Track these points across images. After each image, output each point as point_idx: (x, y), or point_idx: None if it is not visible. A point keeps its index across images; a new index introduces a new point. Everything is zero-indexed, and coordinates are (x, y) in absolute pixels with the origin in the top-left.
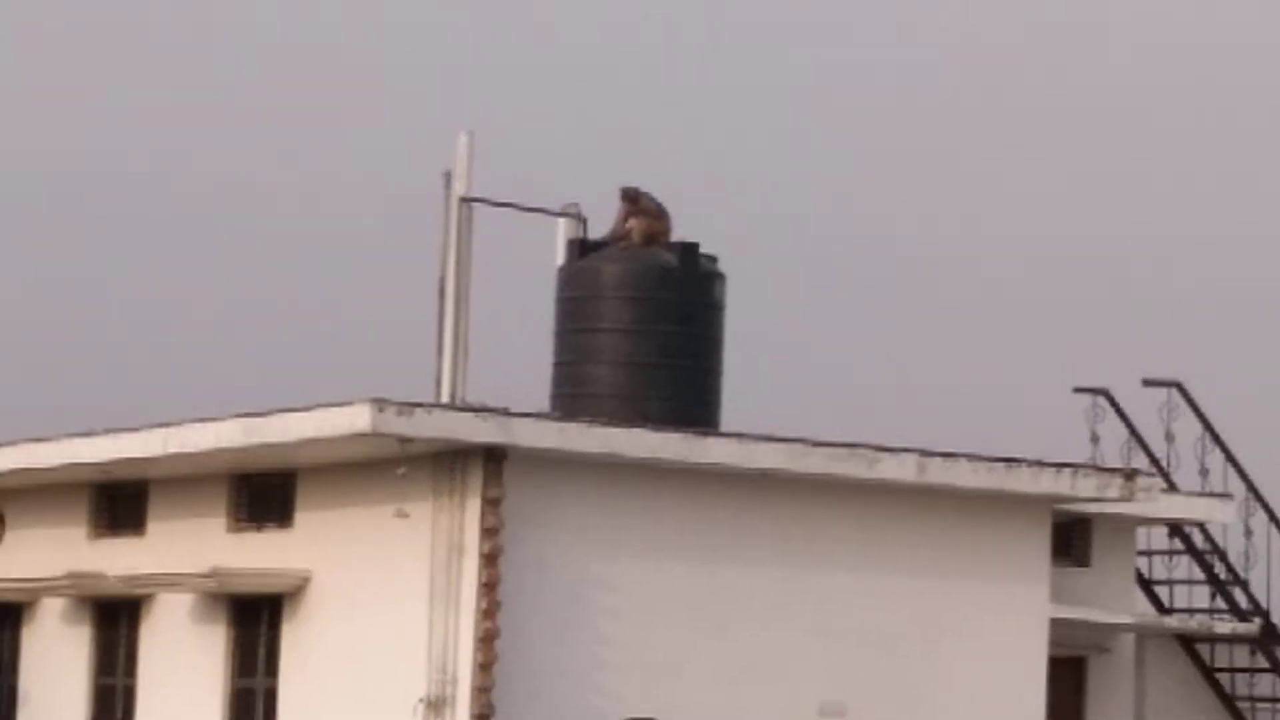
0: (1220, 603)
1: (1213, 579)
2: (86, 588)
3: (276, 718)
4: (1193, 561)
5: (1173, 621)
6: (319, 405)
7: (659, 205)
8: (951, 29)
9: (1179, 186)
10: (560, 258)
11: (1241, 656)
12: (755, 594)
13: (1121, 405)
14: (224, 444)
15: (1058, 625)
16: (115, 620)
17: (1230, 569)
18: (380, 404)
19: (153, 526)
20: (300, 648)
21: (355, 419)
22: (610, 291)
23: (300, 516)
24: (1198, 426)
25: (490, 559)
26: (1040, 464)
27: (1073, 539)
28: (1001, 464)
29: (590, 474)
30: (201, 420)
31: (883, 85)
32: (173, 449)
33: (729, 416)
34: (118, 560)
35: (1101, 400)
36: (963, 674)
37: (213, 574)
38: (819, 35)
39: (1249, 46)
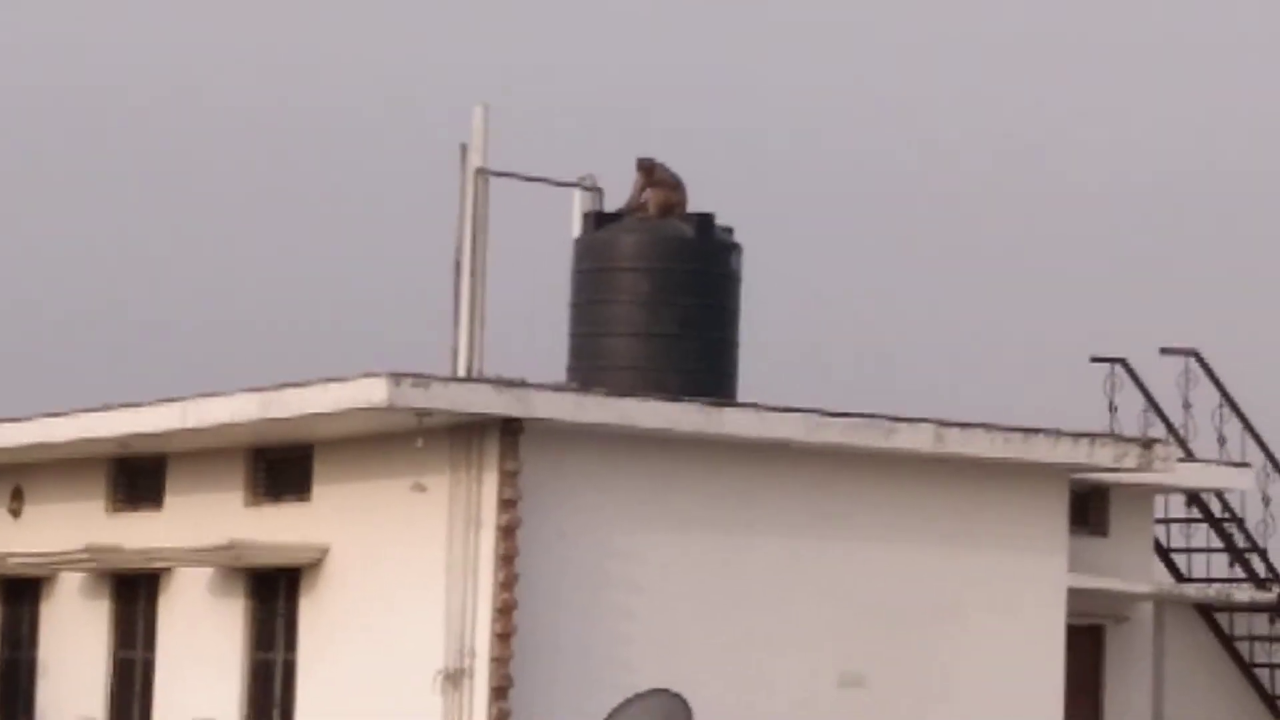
0: (1239, 571)
1: (1231, 547)
2: (105, 562)
3: (295, 691)
4: (1211, 530)
5: (1191, 590)
6: (336, 379)
7: (675, 176)
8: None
9: (1193, 154)
10: (576, 229)
11: (1260, 625)
12: (773, 565)
13: (1139, 374)
14: (241, 418)
15: (1076, 594)
16: (134, 594)
17: (1248, 537)
18: (397, 377)
19: (171, 500)
20: (318, 621)
21: (372, 392)
22: (627, 263)
23: (318, 490)
24: (1215, 395)
25: (507, 531)
26: (1058, 433)
27: (1090, 508)
28: (1019, 433)
29: (607, 446)
30: (219, 394)
31: (898, 58)
32: (190, 423)
33: (746, 387)
34: (136, 534)
35: (1119, 369)
36: (981, 643)
37: (231, 547)
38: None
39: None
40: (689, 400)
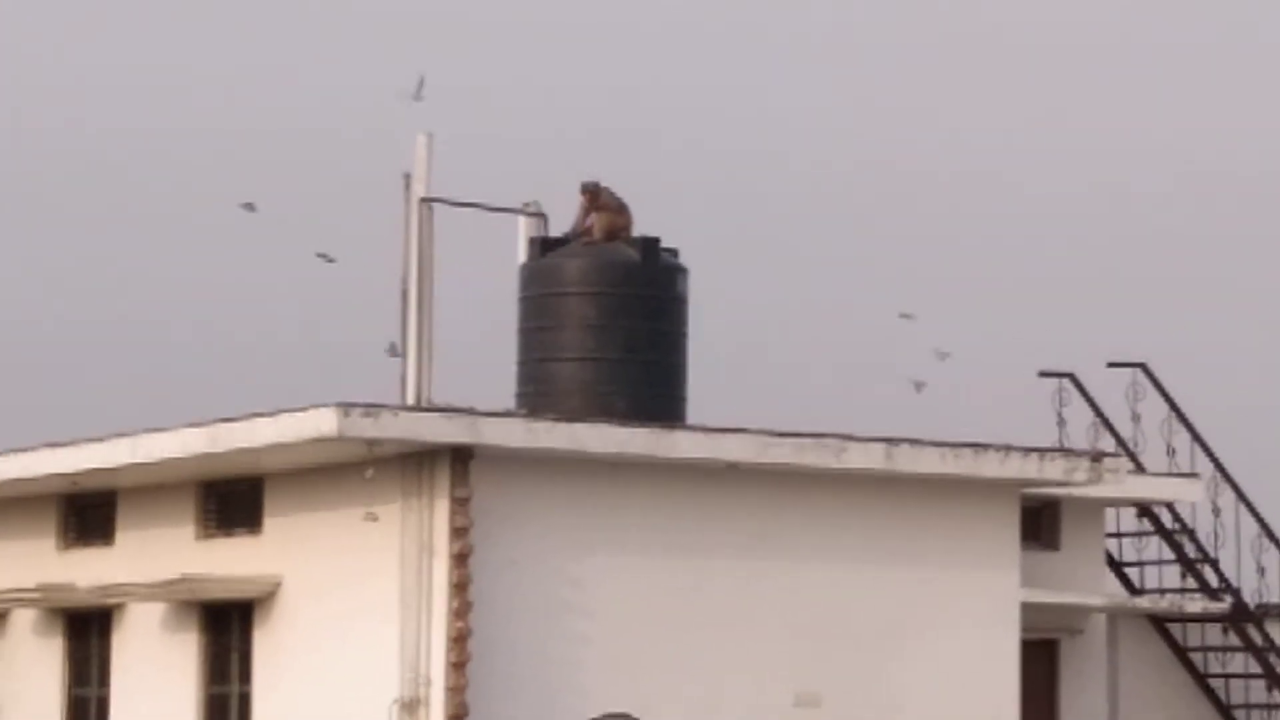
0: (1190, 582)
1: (1182, 558)
2: (57, 599)
3: None
4: (1162, 541)
5: (1143, 602)
6: (285, 410)
7: (619, 200)
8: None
9: (1138, 167)
10: (522, 255)
11: (1213, 635)
12: (727, 586)
13: (1087, 388)
14: (190, 451)
15: (1029, 609)
16: (87, 631)
17: (1199, 548)
18: (346, 407)
19: (122, 536)
20: (273, 653)
21: (321, 423)
22: (573, 288)
23: (269, 522)
24: (1163, 407)
25: (460, 559)
26: (1008, 448)
27: (1042, 522)
28: (969, 449)
29: (558, 471)
30: (167, 428)
31: (845, 74)
32: (139, 458)
33: (695, 409)
34: (88, 571)
35: (1067, 383)
36: (936, 659)
37: (183, 582)
38: (780, 32)
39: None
40: (638, 424)
